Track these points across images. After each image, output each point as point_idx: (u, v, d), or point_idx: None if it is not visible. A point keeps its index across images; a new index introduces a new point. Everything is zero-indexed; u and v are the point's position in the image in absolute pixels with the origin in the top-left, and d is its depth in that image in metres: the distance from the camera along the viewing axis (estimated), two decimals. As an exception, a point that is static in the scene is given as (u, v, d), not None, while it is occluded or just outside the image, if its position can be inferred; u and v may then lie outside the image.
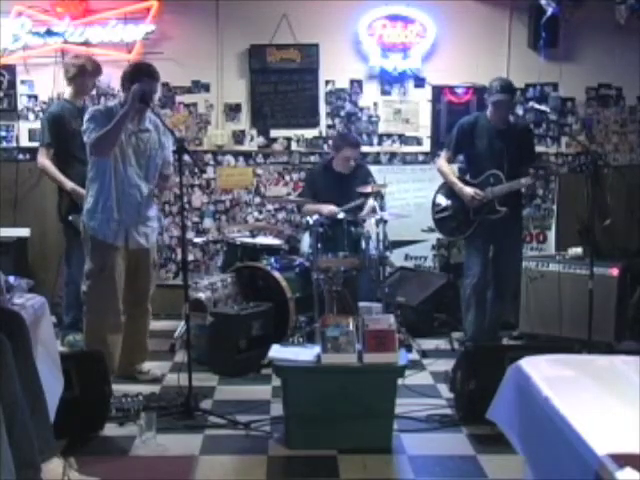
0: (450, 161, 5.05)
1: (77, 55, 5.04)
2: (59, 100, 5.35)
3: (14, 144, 5.99)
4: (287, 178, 6.10)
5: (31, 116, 5.99)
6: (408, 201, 6.03)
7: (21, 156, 6.00)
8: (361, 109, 6.08)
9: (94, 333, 4.19)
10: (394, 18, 5.92)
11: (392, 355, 3.41)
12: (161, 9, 5.83)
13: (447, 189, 5.01)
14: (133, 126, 4.13)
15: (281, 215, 6.14)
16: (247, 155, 6.10)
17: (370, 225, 5.03)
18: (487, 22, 5.97)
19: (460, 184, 4.89)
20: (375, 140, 6.09)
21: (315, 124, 6.06)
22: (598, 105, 6.09)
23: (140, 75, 4.07)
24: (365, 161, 5.83)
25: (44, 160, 4.93)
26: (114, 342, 4.20)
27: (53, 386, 3.09)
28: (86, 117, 4.10)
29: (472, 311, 4.90)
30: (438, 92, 6.04)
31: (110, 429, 3.56)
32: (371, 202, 5.07)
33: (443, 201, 5.04)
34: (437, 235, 5.82)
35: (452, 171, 5.04)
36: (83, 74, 4.89)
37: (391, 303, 5.03)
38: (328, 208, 5.13)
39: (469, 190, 4.83)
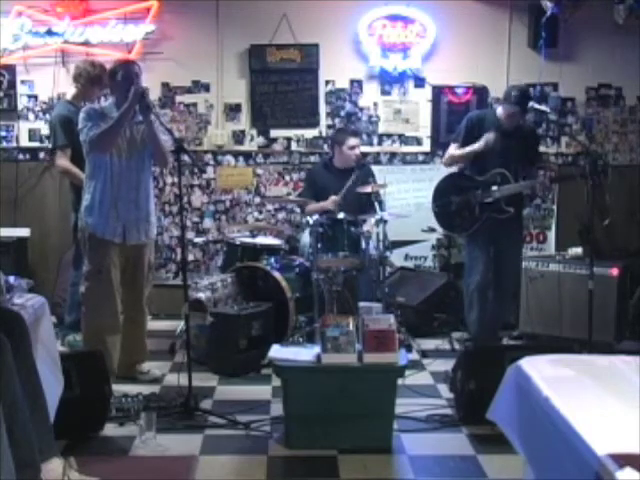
0: None
1: (93, 63, 4.95)
2: (62, 101, 5.32)
3: (14, 144, 5.99)
4: (287, 178, 6.10)
5: (31, 116, 6.00)
6: (408, 201, 6.03)
7: (21, 156, 6.00)
8: (361, 109, 6.08)
9: (92, 334, 4.20)
10: (394, 18, 5.92)
11: (392, 355, 3.41)
12: (161, 9, 5.84)
13: (451, 182, 4.92)
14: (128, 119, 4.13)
15: (281, 215, 6.14)
16: (247, 155, 6.10)
17: (370, 225, 5.04)
18: (487, 22, 5.97)
19: (476, 144, 4.76)
20: (375, 140, 6.10)
21: (315, 124, 6.06)
22: (598, 105, 6.09)
23: (119, 68, 4.13)
24: (365, 161, 5.83)
25: (64, 162, 4.86)
26: (112, 343, 4.20)
27: (53, 386, 3.09)
28: (81, 115, 4.12)
29: (475, 310, 4.86)
30: (438, 92, 6.04)
31: (110, 429, 3.56)
32: (372, 222, 5.01)
33: (447, 195, 4.94)
34: (437, 235, 5.83)
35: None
36: (94, 84, 4.87)
37: (391, 303, 5.03)
38: (329, 200, 5.14)
39: (490, 135, 4.70)
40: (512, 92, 4.76)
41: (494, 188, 4.76)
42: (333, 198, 5.16)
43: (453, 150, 4.93)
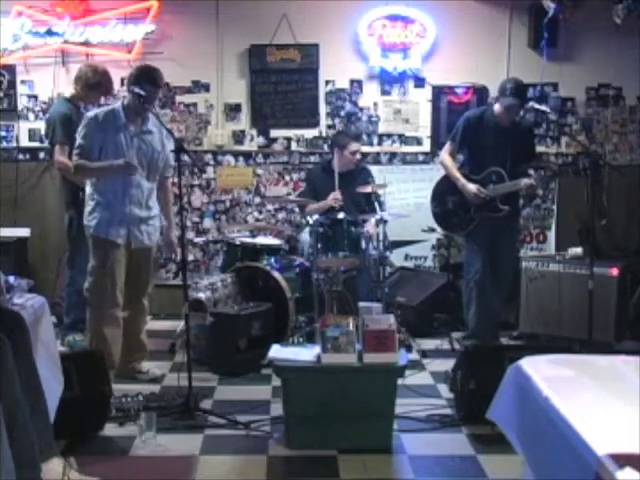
0: (454, 155, 5.01)
1: (96, 69, 4.93)
2: (60, 98, 5.29)
3: (14, 144, 5.99)
4: (287, 178, 6.10)
5: (31, 116, 6.00)
6: (408, 201, 6.03)
7: (21, 156, 6.00)
8: (361, 109, 6.08)
9: (96, 327, 4.21)
10: (394, 18, 5.92)
11: (392, 355, 3.41)
12: (161, 9, 5.84)
13: (448, 183, 4.98)
14: (136, 128, 4.17)
15: (281, 215, 6.14)
16: (247, 155, 6.10)
17: (371, 225, 5.04)
18: (487, 22, 5.97)
19: (463, 180, 4.87)
20: (375, 140, 6.10)
21: (315, 124, 6.06)
22: (598, 105, 6.09)
23: (142, 80, 4.10)
24: (365, 161, 5.84)
25: (62, 158, 4.84)
26: (114, 336, 4.21)
27: (53, 386, 3.09)
28: (83, 121, 4.17)
29: (474, 306, 4.89)
30: (438, 92, 6.04)
31: (110, 429, 3.56)
32: (373, 223, 5.04)
33: (444, 195, 5.00)
34: (437, 235, 5.83)
35: (455, 166, 5.00)
36: (91, 89, 4.87)
37: (391, 303, 5.03)
38: (330, 197, 5.13)
39: (472, 187, 4.82)
40: (507, 85, 4.81)
41: (490, 187, 4.79)
42: (333, 194, 5.16)
43: (447, 156, 4.99)
